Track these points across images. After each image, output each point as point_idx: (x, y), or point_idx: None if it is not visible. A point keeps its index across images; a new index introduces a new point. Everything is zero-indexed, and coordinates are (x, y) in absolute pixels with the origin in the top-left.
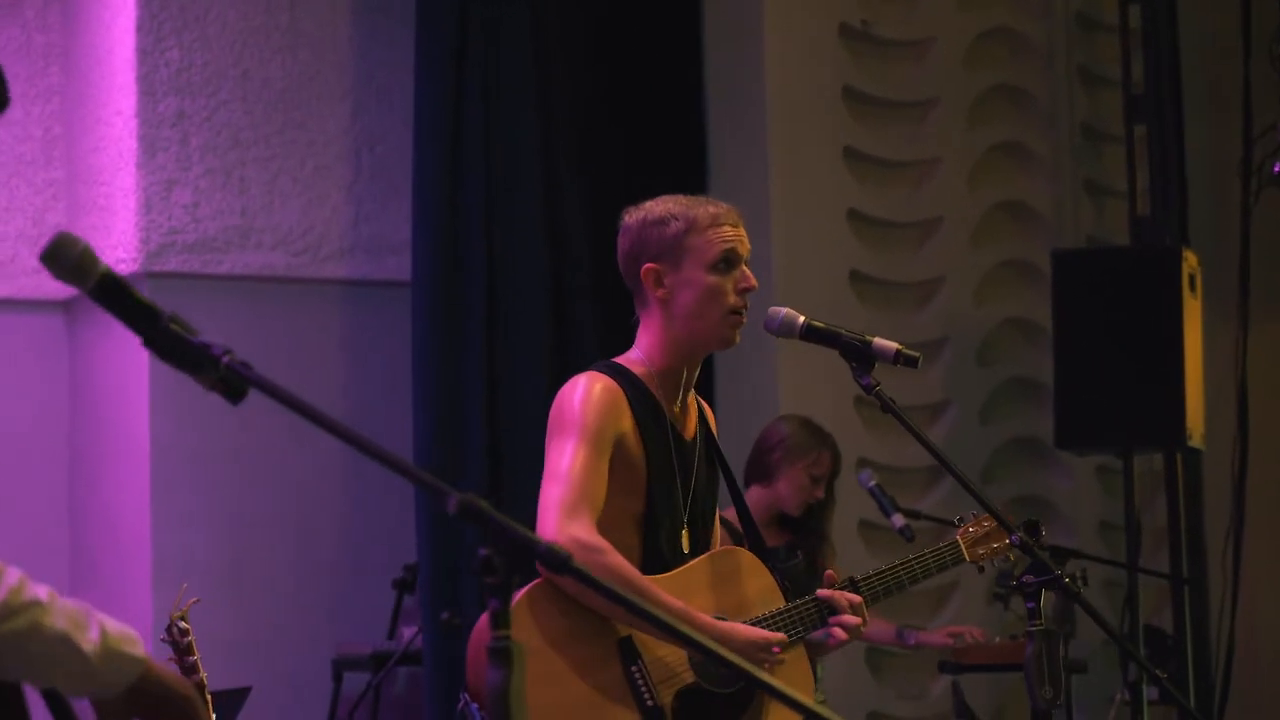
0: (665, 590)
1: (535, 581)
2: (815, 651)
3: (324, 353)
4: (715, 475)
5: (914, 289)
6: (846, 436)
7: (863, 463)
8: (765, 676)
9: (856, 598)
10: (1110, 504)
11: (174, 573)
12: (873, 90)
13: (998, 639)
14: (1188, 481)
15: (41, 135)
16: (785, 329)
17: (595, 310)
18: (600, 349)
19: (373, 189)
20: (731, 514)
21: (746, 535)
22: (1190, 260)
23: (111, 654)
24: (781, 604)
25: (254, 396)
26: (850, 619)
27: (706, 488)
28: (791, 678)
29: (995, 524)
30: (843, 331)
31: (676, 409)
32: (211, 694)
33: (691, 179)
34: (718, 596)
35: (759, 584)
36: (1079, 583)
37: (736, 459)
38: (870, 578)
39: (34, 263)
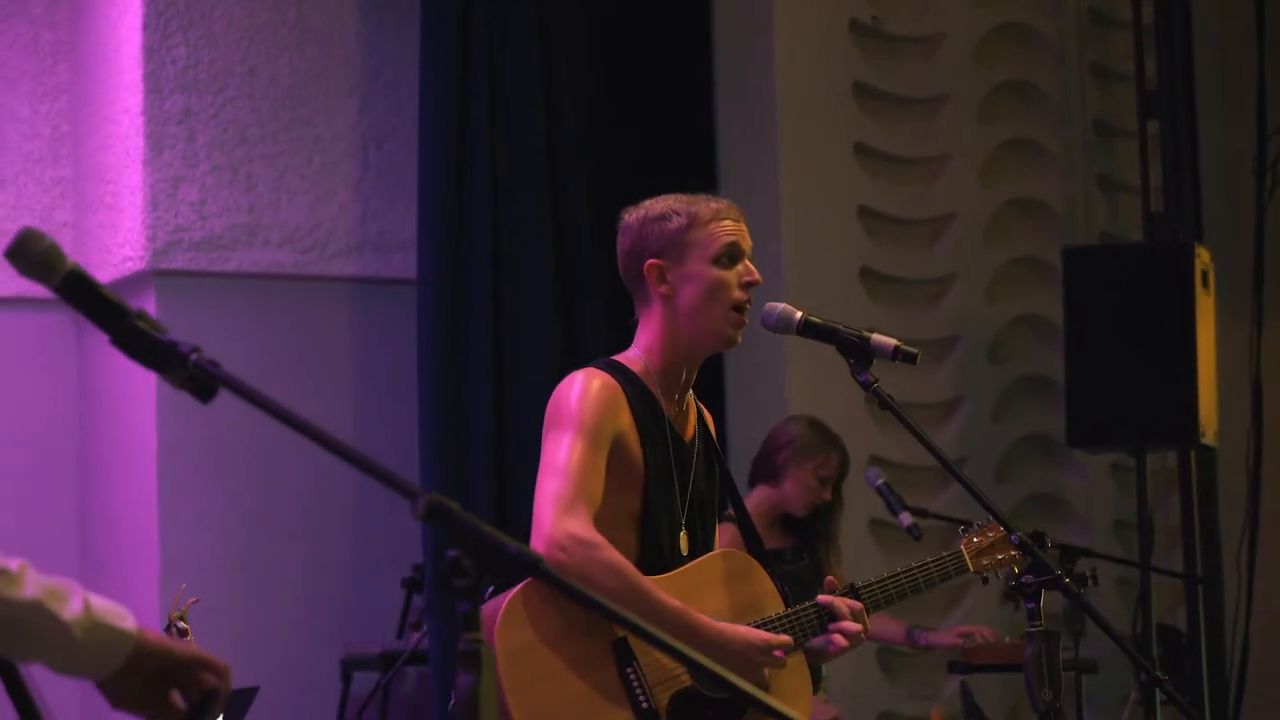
0: (664, 591)
1: (530, 579)
2: (815, 658)
3: (332, 350)
4: (714, 478)
5: (925, 286)
6: (858, 434)
7: (874, 461)
8: (746, 685)
9: (858, 604)
10: (1125, 502)
11: (182, 572)
12: (883, 86)
13: (1008, 639)
14: (1202, 479)
15: (49, 133)
16: (782, 324)
17: (601, 308)
18: (607, 347)
19: (380, 186)
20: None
21: (746, 538)
22: (1203, 256)
23: (98, 626)
24: (780, 608)
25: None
26: (851, 626)
27: (706, 489)
28: (791, 683)
29: (1001, 534)
30: (840, 327)
31: (675, 409)
32: None
33: (701, 176)
34: (716, 599)
35: (758, 588)
36: (1089, 582)
37: (746, 458)
38: (872, 585)
39: None
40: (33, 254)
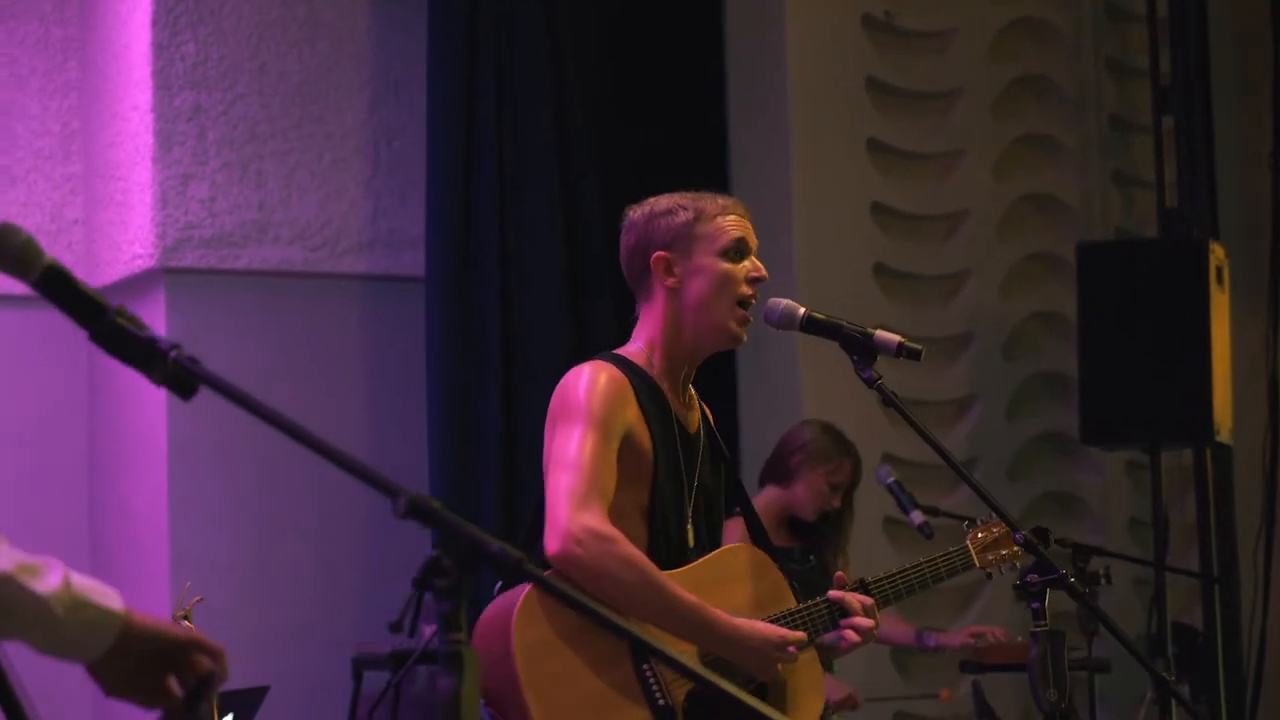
0: (679, 585)
1: (544, 574)
2: (826, 654)
3: (343, 349)
4: (719, 472)
5: (939, 283)
6: (871, 433)
7: (888, 459)
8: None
9: (869, 599)
10: (1140, 500)
11: (193, 571)
12: (897, 81)
13: (1019, 638)
14: (1217, 478)
15: (60, 130)
16: (785, 320)
17: (611, 307)
18: (616, 345)
19: (391, 183)
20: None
21: (753, 534)
22: (1218, 253)
23: (80, 604)
24: (792, 604)
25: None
26: (863, 621)
27: (712, 483)
28: (803, 680)
29: (1005, 530)
30: (844, 323)
31: (679, 403)
32: (229, 693)
33: (712, 172)
34: (730, 594)
35: (771, 583)
36: (1102, 581)
37: (758, 459)
38: (880, 580)
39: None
40: (9, 249)
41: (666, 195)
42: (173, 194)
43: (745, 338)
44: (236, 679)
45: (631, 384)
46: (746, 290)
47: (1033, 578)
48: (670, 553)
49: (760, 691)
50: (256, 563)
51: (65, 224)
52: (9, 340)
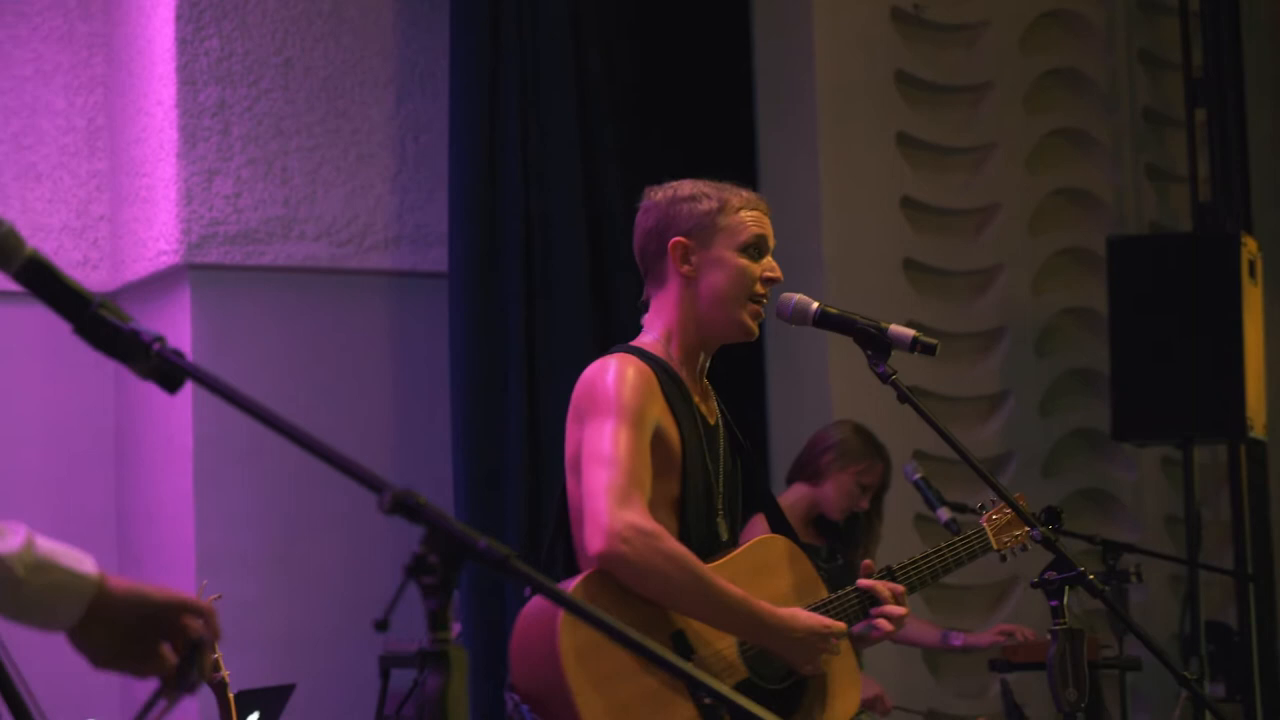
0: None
1: (588, 572)
2: (858, 643)
3: (369, 345)
4: (738, 463)
5: (970, 278)
6: (901, 430)
7: (918, 455)
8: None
9: (899, 587)
10: (1175, 497)
11: (219, 570)
12: (926, 75)
13: (1048, 636)
14: (1252, 474)
15: (85, 126)
16: (798, 316)
17: (633, 302)
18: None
19: (417, 178)
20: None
21: (776, 527)
22: (1250, 246)
23: (44, 566)
24: (823, 594)
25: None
26: (895, 609)
27: (734, 473)
28: (843, 670)
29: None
30: (857, 318)
31: (699, 394)
32: (255, 691)
33: (740, 167)
34: (768, 584)
35: (800, 573)
36: (1133, 578)
37: (788, 457)
38: (906, 566)
39: (80, 255)
40: None
41: (690, 180)
42: (198, 190)
43: (757, 332)
44: (265, 678)
45: (656, 376)
46: (760, 289)
47: (1051, 575)
48: (701, 544)
49: (800, 686)
50: (283, 561)
51: (91, 220)
52: (36, 341)
